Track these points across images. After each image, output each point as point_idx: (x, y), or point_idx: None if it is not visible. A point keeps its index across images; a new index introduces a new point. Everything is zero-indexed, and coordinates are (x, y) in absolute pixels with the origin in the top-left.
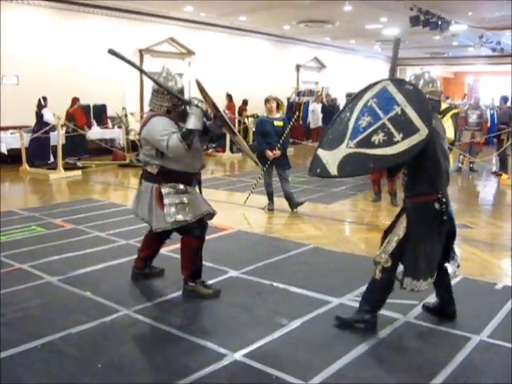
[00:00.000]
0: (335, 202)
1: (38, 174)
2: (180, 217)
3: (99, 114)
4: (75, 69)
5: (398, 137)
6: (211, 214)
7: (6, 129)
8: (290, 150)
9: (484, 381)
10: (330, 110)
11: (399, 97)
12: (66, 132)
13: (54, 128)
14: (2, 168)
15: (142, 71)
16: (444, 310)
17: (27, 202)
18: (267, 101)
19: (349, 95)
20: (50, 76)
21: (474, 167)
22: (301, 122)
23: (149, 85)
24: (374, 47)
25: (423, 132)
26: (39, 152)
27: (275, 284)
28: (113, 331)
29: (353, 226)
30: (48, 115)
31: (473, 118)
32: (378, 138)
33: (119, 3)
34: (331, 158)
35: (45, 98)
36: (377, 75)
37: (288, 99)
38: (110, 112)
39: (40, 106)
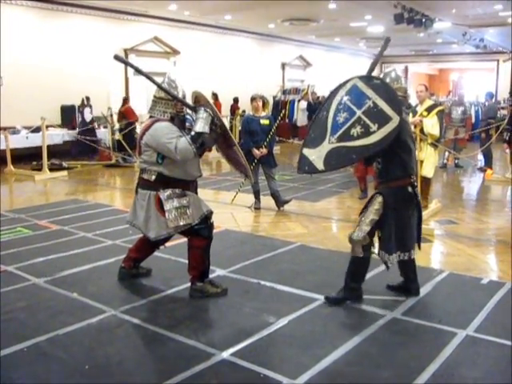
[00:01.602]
0: (322, 200)
1: (23, 175)
2: (182, 222)
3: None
4: (59, 69)
5: (373, 127)
6: (210, 213)
7: None
8: (276, 149)
9: (470, 375)
10: (316, 108)
11: (369, 91)
12: (120, 129)
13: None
14: None
15: (148, 78)
16: (408, 288)
17: (12, 203)
18: (253, 99)
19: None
20: (34, 76)
21: (459, 163)
22: (287, 121)
23: (134, 85)
24: (359, 45)
25: (395, 120)
26: (84, 148)
27: (262, 282)
28: (100, 332)
29: (339, 223)
30: (86, 114)
31: (457, 114)
32: (356, 130)
33: (103, 3)
34: (317, 155)
35: (88, 98)
36: (362, 72)
37: (274, 97)
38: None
39: (83, 105)
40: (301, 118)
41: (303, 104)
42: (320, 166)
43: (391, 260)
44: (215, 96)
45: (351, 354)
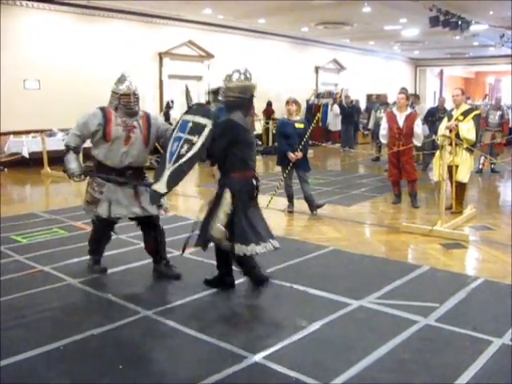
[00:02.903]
0: (355, 204)
1: (59, 177)
2: (84, 205)
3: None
4: (96, 73)
5: (195, 139)
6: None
7: (27, 132)
8: (310, 152)
9: None
10: (350, 112)
11: (188, 116)
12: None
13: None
14: (23, 171)
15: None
16: (223, 280)
17: (49, 204)
18: (288, 103)
19: (369, 96)
20: (71, 80)
21: (495, 168)
22: (320, 125)
23: (168, 89)
24: (394, 48)
25: (208, 123)
26: None
27: (295, 286)
28: (133, 333)
29: (373, 228)
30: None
31: (494, 118)
32: (184, 149)
33: (138, 7)
34: (161, 184)
35: (172, 101)
36: (396, 76)
37: (307, 101)
38: None
39: (168, 107)
40: (333, 123)
41: (336, 108)
42: (163, 189)
43: (251, 251)
44: (269, 104)
45: (384, 360)
